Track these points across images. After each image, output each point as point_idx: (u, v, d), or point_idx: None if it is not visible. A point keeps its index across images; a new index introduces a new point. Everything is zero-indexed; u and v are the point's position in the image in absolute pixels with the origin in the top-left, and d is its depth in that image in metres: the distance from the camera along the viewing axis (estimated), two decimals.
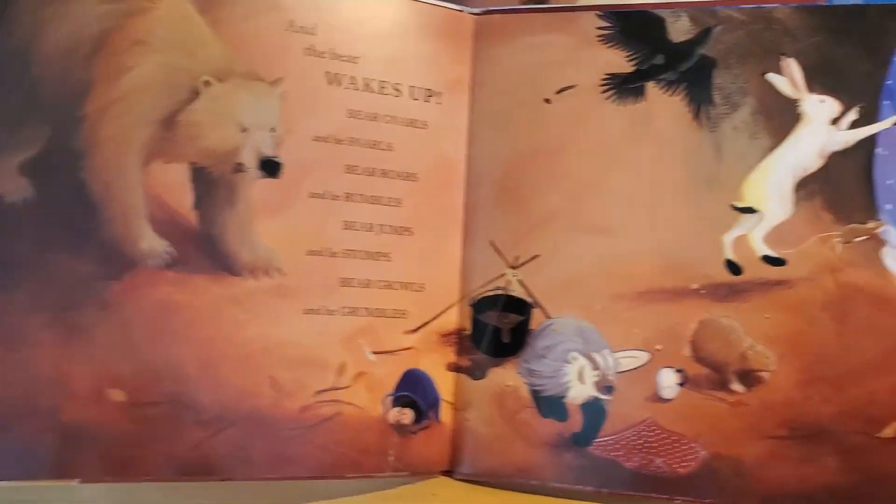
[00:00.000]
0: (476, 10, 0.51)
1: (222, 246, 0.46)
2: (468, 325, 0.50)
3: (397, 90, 0.49)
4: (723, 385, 0.45)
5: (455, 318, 0.50)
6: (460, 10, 0.51)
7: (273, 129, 0.46)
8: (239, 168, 0.46)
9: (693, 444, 0.45)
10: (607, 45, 0.49)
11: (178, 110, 0.45)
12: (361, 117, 0.48)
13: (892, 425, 0.43)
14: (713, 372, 0.45)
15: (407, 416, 0.48)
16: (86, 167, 0.43)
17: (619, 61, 0.48)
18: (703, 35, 0.47)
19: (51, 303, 0.42)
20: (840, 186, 0.45)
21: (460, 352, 0.49)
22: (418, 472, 0.49)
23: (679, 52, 0.48)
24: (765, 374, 0.44)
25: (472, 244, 0.50)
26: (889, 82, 0.45)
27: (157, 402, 0.44)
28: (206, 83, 0.45)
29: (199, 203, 0.45)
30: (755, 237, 0.45)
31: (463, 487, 0.48)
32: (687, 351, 0.46)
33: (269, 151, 0.46)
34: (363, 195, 0.48)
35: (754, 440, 0.44)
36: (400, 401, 0.48)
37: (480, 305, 0.49)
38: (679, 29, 0.48)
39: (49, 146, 0.42)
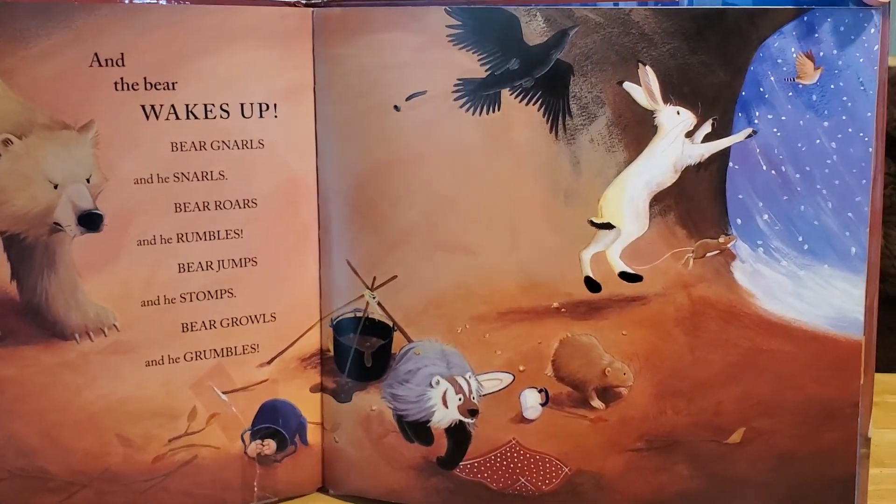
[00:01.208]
0: (314, 2, 0.46)
1: (48, 313, 0.44)
2: (331, 346, 0.48)
3: (225, 111, 0.45)
4: (584, 403, 0.46)
5: (316, 340, 0.49)
6: (294, 4, 0.46)
7: (88, 180, 0.43)
8: (56, 228, 0.43)
9: (556, 462, 0.47)
10: (458, 46, 0.46)
11: None
12: (187, 148, 0.45)
13: (738, 432, 0.46)
14: (574, 390, 0.46)
15: (269, 446, 0.49)
16: None
17: (472, 65, 0.46)
18: (558, 38, 0.45)
19: None
20: (693, 201, 0.45)
21: (325, 373, 0.49)
22: (288, 497, 0.50)
23: (534, 57, 0.45)
24: (623, 390, 0.46)
25: (329, 264, 0.48)
26: (744, 93, 0.45)
27: (1, 478, 0.44)
28: (6, 142, 0.41)
29: (16, 273, 0.43)
30: (612, 253, 0.46)
31: (337, 502, 0.50)
32: (549, 370, 0.46)
33: (86, 204, 0.43)
34: (197, 233, 0.46)
35: (614, 454, 0.46)
36: (259, 433, 0.48)
37: (341, 327, 0.48)
38: (534, 30, 0.45)
39: None
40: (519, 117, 0.45)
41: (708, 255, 0.45)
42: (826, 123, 0.44)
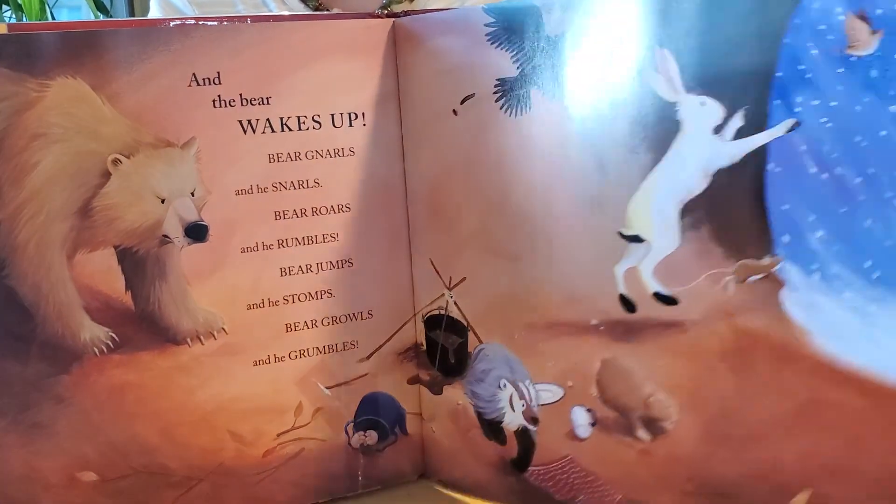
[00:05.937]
0: (396, 13, 0.51)
1: (161, 320, 0.50)
2: (423, 341, 0.55)
3: (317, 122, 0.52)
4: (630, 430, 0.45)
5: (412, 335, 0.55)
6: (377, 16, 0.52)
7: (193, 193, 0.49)
8: (165, 240, 0.49)
9: (608, 487, 0.47)
10: (494, 44, 0.46)
11: (92, 196, 0.47)
12: (283, 159, 0.50)
13: (804, 493, 0.40)
14: (620, 416, 0.46)
15: (371, 437, 0.55)
16: (9, 275, 0.46)
17: (506, 64, 0.46)
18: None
19: (7, 408, 0.47)
20: (729, 212, 0.40)
21: (420, 365, 0.55)
22: (391, 485, 0.57)
23: (554, 50, 0.44)
24: (667, 424, 0.44)
25: (417, 263, 0.54)
26: (779, 74, 0.37)
27: (126, 475, 0.50)
28: (116, 162, 0.47)
29: (131, 284, 0.49)
30: (644, 270, 0.43)
31: (437, 490, 0.56)
32: (594, 391, 0.46)
33: (192, 217, 0.48)
34: (296, 238, 0.52)
35: (663, 491, 0.45)
36: (362, 425, 0.55)
37: (429, 323, 0.55)
38: (555, 21, 0.43)
39: None
40: (545, 116, 0.45)
41: (750, 279, 0.39)
42: (893, 108, 0.34)
